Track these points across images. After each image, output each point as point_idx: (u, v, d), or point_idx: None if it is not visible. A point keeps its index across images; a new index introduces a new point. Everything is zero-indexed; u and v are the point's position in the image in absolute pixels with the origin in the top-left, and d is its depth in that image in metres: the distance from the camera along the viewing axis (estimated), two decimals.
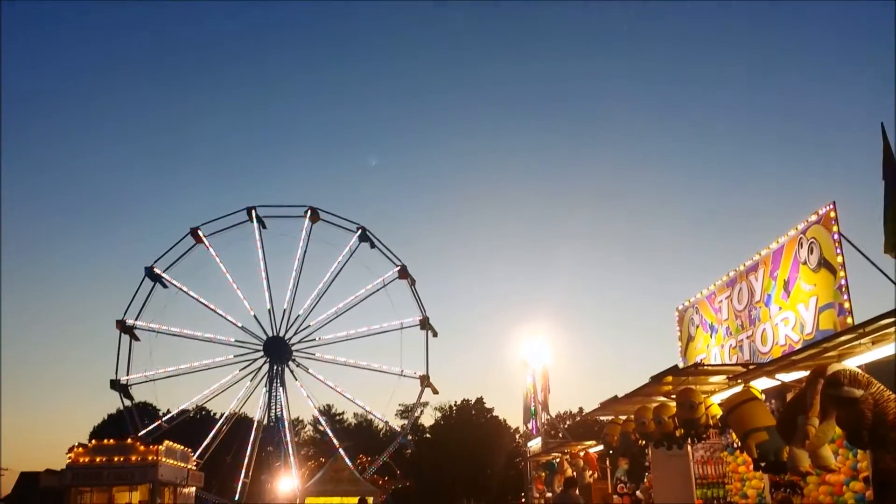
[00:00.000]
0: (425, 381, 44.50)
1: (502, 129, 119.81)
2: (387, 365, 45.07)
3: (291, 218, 46.09)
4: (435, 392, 45.56)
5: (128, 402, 43.55)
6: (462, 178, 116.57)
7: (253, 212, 45.37)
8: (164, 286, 44.45)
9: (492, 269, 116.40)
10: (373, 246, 45.30)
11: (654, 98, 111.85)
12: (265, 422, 45.53)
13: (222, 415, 48.25)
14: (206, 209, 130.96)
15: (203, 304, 45.51)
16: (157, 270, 44.07)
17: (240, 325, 45.38)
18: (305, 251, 45.97)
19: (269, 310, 45.73)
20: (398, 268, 44.83)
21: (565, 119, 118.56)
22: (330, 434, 46.98)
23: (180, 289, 44.80)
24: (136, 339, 43.77)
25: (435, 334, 45.02)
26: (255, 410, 46.53)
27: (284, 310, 45.81)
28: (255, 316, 45.55)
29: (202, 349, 48.81)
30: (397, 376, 44.56)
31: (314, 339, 46.13)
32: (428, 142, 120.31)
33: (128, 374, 43.24)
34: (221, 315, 45.50)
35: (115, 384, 42.86)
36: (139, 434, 40.70)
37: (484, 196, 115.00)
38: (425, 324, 44.67)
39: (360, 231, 45.13)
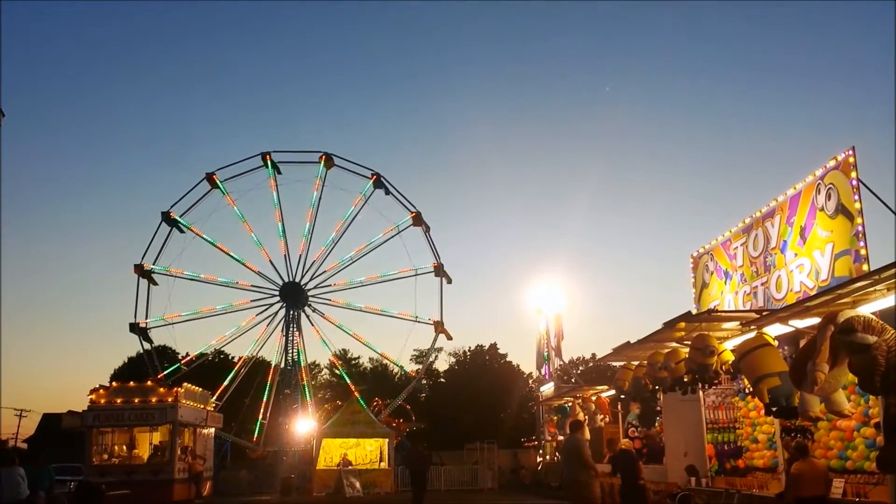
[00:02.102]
0: (439, 326, 44.79)
1: (516, 73, 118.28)
2: (401, 311, 45.49)
3: (306, 164, 45.96)
4: (449, 338, 45.86)
5: (147, 346, 44.18)
6: (475, 124, 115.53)
7: (268, 157, 45.31)
8: (182, 231, 44.63)
9: (506, 216, 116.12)
10: (387, 192, 45.21)
11: (671, 43, 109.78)
12: (282, 365, 46.20)
13: (240, 358, 49.01)
14: (221, 155, 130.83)
15: (220, 248, 45.77)
16: (173, 215, 44.26)
17: (256, 270, 45.72)
18: (320, 197, 46.05)
19: (285, 255, 45.98)
20: (413, 214, 44.79)
21: (582, 64, 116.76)
22: (346, 379, 47.71)
23: (197, 234, 45.01)
24: (154, 283, 44.19)
25: (449, 281, 45.17)
26: (272, 354, 47.30)
27: (300, 255, 46.13)
28: (271, 261, 45.86)
29: (219, 294, 49.37)
30: (412, 322, 44.95)
31: (329, 285, 46.47)
32: (440, 86, 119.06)
33: (146, 318, 43.78)
34: (238, 260, 45.78)
35: (135, 328, 43.49)
36: (158, 376, 41.43)
37: (498, 142, 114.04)
38: (439, 270, 44.75)
39: (374, 177, 45.01)
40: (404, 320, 45.20)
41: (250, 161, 45.42)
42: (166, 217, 44.24)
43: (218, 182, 44.79)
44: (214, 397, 41.26)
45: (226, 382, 44.05)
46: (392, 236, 45.49)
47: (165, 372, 42.66)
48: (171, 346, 49.44)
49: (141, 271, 43.75)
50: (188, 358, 47.16)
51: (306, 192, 46.56)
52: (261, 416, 44.62)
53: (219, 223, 46.63)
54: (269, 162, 45.40)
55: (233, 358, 51.49)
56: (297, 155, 46.62)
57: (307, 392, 46.00)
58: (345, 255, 46.37)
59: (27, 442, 59.55)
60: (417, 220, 44.87)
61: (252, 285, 45.93)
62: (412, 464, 19.99)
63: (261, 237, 46.29)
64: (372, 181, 45.12)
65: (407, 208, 45.12)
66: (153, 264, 43.99)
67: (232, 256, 45.83)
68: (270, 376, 45.78)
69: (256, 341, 46.29)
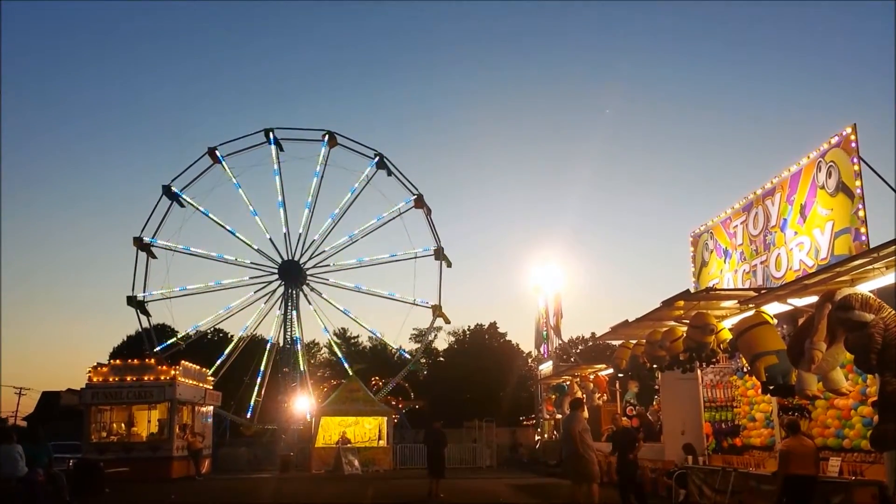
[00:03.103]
0: (437, 310, 44.87)
1: (515, 51, 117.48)
2: (400, 293, 45.47)
3: (309, 142, 45.70)
4: (447, 321, 45.92)
5: (144, 319, 44.06)
6: (474, 101, 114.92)
7: (271, 134, 45.03)
8: (182, 205, 44.41)
9: (505, 194, 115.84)
10: (389, 173, 45.07)
11: (670, 18, 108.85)
12: (281, 344, 46.26)
13: (237, 335, 49.11)
14: (224, 131, 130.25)
15: (219, 224, 45.60)
16: (174, 189, 44.06)
17: (255, 247, 45.62)
18: (322, 176, 45.87)
19: (285, 233, 45.87)
20: (414, 196, 44.65)
21: (578, 41, 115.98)
22: (342, 359, 47.83)
23: (197, 208, 44.80)
24: (154, 256, 44.01)
25: (449, 264, 45.07)
26: (270, 332, 47.35)
27: (300, 234, 46.02)
28: (270, 239, 45.73)
29: (217, 270, 49.24)
30: (410, 304, 44.97)
31: (329, 265, 46.41)
32: (439, 63, 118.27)
33: (144, 292, 43.64)
34: (237, 236, 45.64)
35: (132, 300, 43.39)
36: (155, 350, 41.50)
37: (497, 121, 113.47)
38: (440, 254, 44.62)
39: (377, 157, 44.79)
40: (403, 303, 45.25)
41: (253, 137, 45.19)
42: (167, 190, 44.04)
43: (220, 157, 44.56)
44: (210, 373, 41.47)
45: (221, 359, 44.08)
46: (393, 218, 45.39)
47: (161, 346, 42.62)
48: (170, 323, 49.36)
49: (140, 244, 43.63)
50: (185, 334, 47.08)
51: (308, 171, 46.39)
52: (255, 395, 44.71)
53: (220, 199, 46.48)
54: (271, 138, 45.14)
55: (231, 336, 51.55)
56: (301, 133, 46.36)
57: (302, 367, 46.01)
58: (345, 236, 46.32)
59: (26, 420, 59.73)
60: (419, 202, 44.73)
61: (251, 262, 45.88)
62: (430, 442, 20.54)
63: (261, 215, 46.19)
64: (375, 161, 44.92)
65: (409, 190, 45.00)
66: (152, 238, 43.87)
67: (231, 232, 45.70)
68: (266, 354, 45.82)
69: (254, 319, 46.33)
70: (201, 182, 44.89)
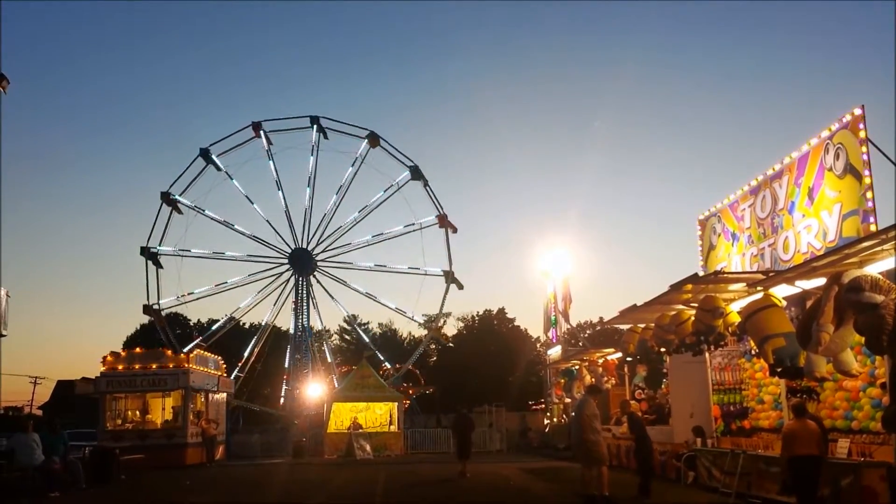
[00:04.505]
0: (450, 276, 44.80)
1: (524, 35, 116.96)
2: (410, 266, 45.58)
3: (299, 130, 45.92)
4: (460, 287, 45.43)
5: (161, 325, 44.31)
6: (483, 86, 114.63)
7: (259, 127, 45.05)
8: (180, 212, 44.61)
9: (512, 179, 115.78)
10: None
11: (677, 4, 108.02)
12: (294, 332, 46.53)
13: (252, 326, 49.55)
14: (214, 126, 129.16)
15: (224, 223, 45.85)
16: (172, 195, 44.21)
17: (262, 240, 45.90)
18: (317, 161, 46.03)
19: (289, 223, 46.09)
20: (410, 167, 44.55)
21: (589, 23, 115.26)
22: (363, 337, 48.20)
23: (199, 211, 44.99)
24: (160, 266, 44.36)
25: (455, 230, 45.01)
26: (285, 321, 47.83)
27: (304, 222, 46.26)
28: (275, 230, 45.98)
29: (227, 269, 49.42)
30: (421, 276, 45.08)
31: (336, 248, 46.58)
32: (444, 45, 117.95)
33: (159, 300, 44.15)
34: (243, 232, 45.84)
35: (149, 310, 43.90)
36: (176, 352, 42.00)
37: (505, 105, 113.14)
38: (444, 221, 44.56)
39: (369, 135, 44.74)
40: (414, 275, 45.40)
41: (243, 133, 45.32)
42: (165, 197, 44.16)
43: (213, 157, 44.68)
44: (237, 368, 42.02)
45: (245, 353, 44.52)
46: (393, 193, 45.42)
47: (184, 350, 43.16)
48: (183, 313, 49.76)
49: (148, 253, 43.93)
50: (206, 333, 47.50)
51: (303, 159, 46.59)
52: (284, 384, 45.08)
53: (219, 198, 46.55)
54: (261, 132, 45.16)
55: (244, 325, 51.83)
56: (289, 122, 46.47)
57: (328, 355, 46.38)
58: (348, 217, 46.46)
59: (42, 408, 60.42)
60: (416, 173, 44.63)
61: (261, 256, 46.17)
62: (459, 429, 21.83)
63: (262, 208, 46.47)
64: (367, 140, 44.87)
65: (404, 163, 44.94)
66: (159, 245, 44.17)
67: (236, 229, 45.97)
68: (290, 344, 46.24)
69: (272, 311, 46.76)
70: (199, 183, 45.23)
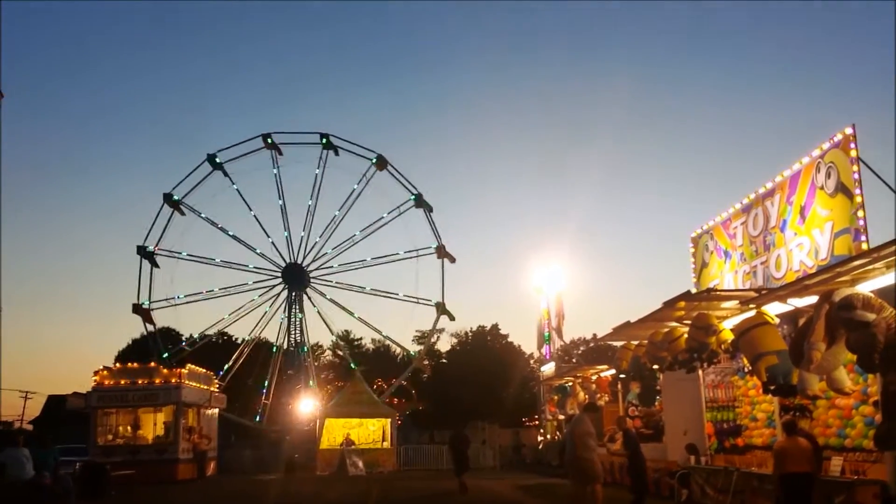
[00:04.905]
0: (441, 308, 44.91)
1: (519, 50, 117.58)
2: (403, 292, 45.61)
3: (306, 145, 45.81)
4: (451, 318, 45.76)
5: (150, 327, 44.20)
6: (475, 101, 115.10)
7: (269, 139, 45.22)
8: (182, 213, 44.65)
9: (506, 195, 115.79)
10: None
11: (672, 19, 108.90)
12: (285, 346, 46.43)
13: (242, 339, 49.24)
14: (223, 136, 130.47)
15: (222, 230, 45.76)
16: (175, 197, 44.23)
17: (258, 251, 45.85)
18: (322, 179, 46.07)
19: (287, 237, 46.09)
20: (414, 196, 44.78)
21: (582, 40, 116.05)
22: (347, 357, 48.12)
23: (199, 215, 44.97)
24: (156, 265, 44.27)
25: (452, 260, 45.03)
26: (275, 335, 47.54)
27: (301, 237, 46.27)
28: (273, 243, 45.95)
29: (221, 276, 49.19)
30: (413, 303, 45.06)
31: (331, 266, 46.58)
32: (438, 61, 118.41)
33: (149, 300, 43.85)
34: (240, 241, 45.80)
35: (138, 309, 43.71)
36: (163, 357, 41.70)
37: (498, 121, 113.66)
38: (442, 251, 44.72)
39: (376, 159, 44.95)
40: (406, 302, 45.31)
41: (251, 143, 45.34)
42: (168, 199, 44.20)
43: (219, 163, 44.76)
44: (219, 378, 41.63)
45: (229, 363, 44.21)
46: (394, 217, 45.46)
47: (166, 354, 42.76)
48: (175, 328, 49.51)
49: (143, 253, 43.80)
50: (192, 339, 47.21)
51: (308, 174, 46.58)
52: (263, 397, 44.85)
53: (221, 206, 46.52)
54: (269, 143, 45.27)
55: (236, 339, 51.67)
56: (298, 136, 46.49)
57: (310, 372, 46.20)
58: (346, 237, 46.44)
59: (32, 423, 59.90)
60: (419, 201, 44.82)
61: (254, 267, 46.07)
62: (455, 445, 22.17)
63: (262, 219, 46.36)
64: (374, 162, 45.00)
65: (409, 190, 45.08)
66: (156, 246, 44.02)
67: (233, 237, 45.87)
68: (273, 357, 45.97)
69: (259, 322, 46.46)
70: (203, 189, 45.10)
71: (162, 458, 26.57)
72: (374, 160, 44.95)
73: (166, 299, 44.17)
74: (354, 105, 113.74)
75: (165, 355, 42.65)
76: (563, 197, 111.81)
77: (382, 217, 45.73)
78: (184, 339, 48.33)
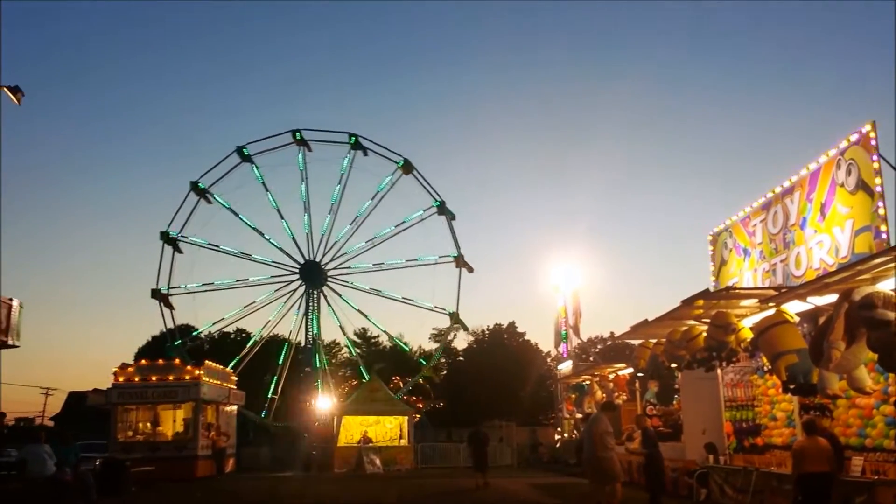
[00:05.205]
0: (455, 317, 45.15)
1: (532, 50, 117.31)
2: (419, 295, 45.73)
3: (334, 144, 46.04)
4: (464, 329, 45.91)
5: (168, 313, 44.46)
6: (490, 99, 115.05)
7: (297, 134, 45.44)
8: (209, 202, 44.94)
9: (523, 193, 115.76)
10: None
11: (688, 15, 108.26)
12: (302, 344, 46.63)
13: (263, 338, 49.57)
14: (253, 131, 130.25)
15: (245, 222, 45.99)
16: (202, 185, 44.56)
17: (278, 245, 46.06)
18: (347, 178, 46.23)
19: (308, 233, 46.28)
20: (438, 202, 44.87)
21: (595, 39, 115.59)
22: (358, 358, 48.30)
23: (224, 205, 45.27)
24: (179, 251, 44.65)
25: (470, 270, 45.23)
26: (290, 331, 47.81)
27: (322, 235, 46.46)
28: (293, 238, 46.13)
29: (240, 269, 49.37)
30: (427, 311, 45.25)
31: (349, 267, 46.73)
32: (453, 60, 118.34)
33: (168, 285, 44.35)
34: (262, 234, 46.01)
35: (156, 293, 44.14)
36: (176, 344, 42.53)
37: (514, 119, 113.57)
38: (460, 261, 44.82)
39: (403, 162, 45.00)
40: (421, 308, 45.47)
41: (280, 138, 45.61)
42: (195, 186, 44.55)
43: (248, 155, 45.07)
44: (270, 392, 42.25)
45: (240, 356, 44.54)
46: (415, 223, 45.58)
47: (178, 342, 43.19)
48: (192, 318, 49.66)
49: (167, 238, 44.19)
50: (206, 328, 47.51)
51: (333, 173, 46.76)
52: (270, 392, 45.04)
53: (245, 198, 46.50)
54: (299, 139, 45.46)
55: (253, 335, 51.95)
56: (327, 135, 46.63)
57: (321, 365, 46.36)
58: (367, 238, 46.58)
59: (53, 420, 60.57)
60: (442, 208, 44.92)
61: (273, 262, 46.31)
62: (475, 443, 22.72)
63: (285, 215, 46.62)
64: (400, 166, 45.05)
65: (433, 196, 45.17)
66: (180, 232, 44.40)
67: (257, 231, 46.14)
68: (284, 352, 46.21)
69: (274, 317, 46.76)
70: (229, 180, 45.41)
71: (181, 455, 26.70)
72: (401, 164, 45.00)
73: (185, 286, 44.58)
74: (372, 104, 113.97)
75: (178, 343, 43.10)
76: (581, 195, 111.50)
77: (404, 221, 45.86)
78: (201, 333, 48.60)
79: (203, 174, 44.91)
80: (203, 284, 45.13)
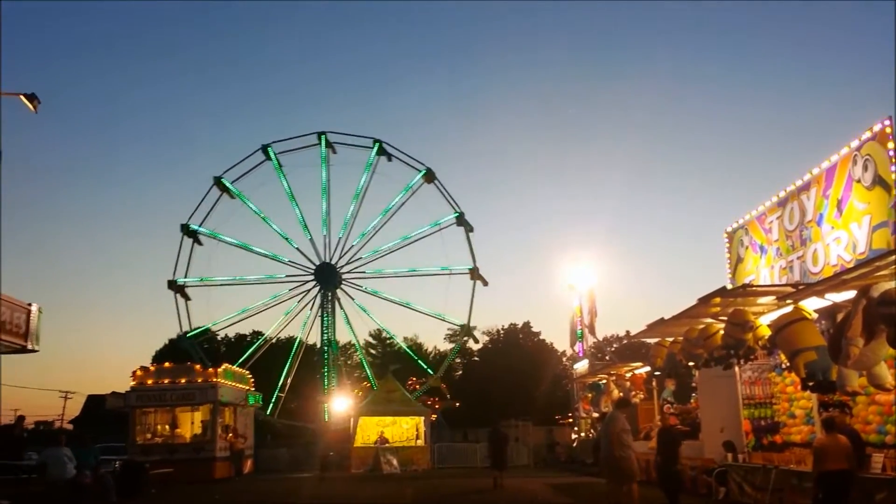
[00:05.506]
0: (466, 329, 45.43)
1: (549, 45, 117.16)
2: (433, 304, 46.60)
3: (357, 148, 46.40)
4: (485, 283, 45.50)
5: (183, 303, 44.87)
6: (506, 100, 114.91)
7: (269, 149, 45.71)
8: (200, 243, 45.32)
9: (537, 192, 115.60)
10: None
11: (704, 15, 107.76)
12: (318, 345, 46.84)
13: (278, 340, 50.00)
14: (275, 132, 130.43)
15: (264, 219, 46.31)
16: (192, 227, 45.03)
17: (295, 245, 46.33)
18: (368, 183, 46.55)
19: (310, 240, 46.50)
20: (457, 213, 44.98)
21: (610, 38, 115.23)
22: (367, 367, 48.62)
23: (245, 203, 45.66)
24: (200, 243, 45.12)
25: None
26: (300, 331, 48.25)
27: (339, 238, 46.69)
28: (299, 248, 46.38)
29: (256, 266, 49.60)
30: (447, 278, 45.40)
31: (363, 271, 47.01)
32: (469, 58, 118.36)
33: (185, 276, 44.85)
34: (280, 233, 46.29)
35: (173, 284, 44.65)
36: (187, 335, 43.52)
37: (529, 119, 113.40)
38: (475, 274, 44.94)
39: (425, 171, 45.16)
40: (440, 275, 45.72)
41: (305, 139, 45.94)
42: (218, 182, 44.93)
43: (272, 154, 45.38)
44: (276, 391, 42.57)
45: (248, 352, 44.94)
46: (433, 232, 45.77)
47: (191, 333, 43.83)
48: (206, 316, 50.00)
49: (187, 230, 44.58)
50: (218, 321, 47.83)
51: (354, 177, 47.07)
52: (277, 390, 45.27)
53: (265, 197, 46.94)
54: (324, 141, 45.68)
55: (271, 339, 52.14)
56: (349, 139, 46.91)
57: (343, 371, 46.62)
58: (383, 245, 46.80)
59: (73, 423, 61.11)
60: (461, 220, 45.02)
61: (290, 261, 46.55)
62: (494, 441, 22.97)
63: (283, 228, 47.01)
64: (422, 174, 45.14)
65: (453, 206, 45.30)
66: (199, 226, 44.76)
67: (275, 229, 46.49)
68: (293, 352, 46.50)
69: (286, 317, 47.13)
70: (250, 178, 45.89)
71: (199, 457, 26.86)
72: (423, 172, 45.13)
73: (202, 278, 44.92)
74: (392, 108, 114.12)
75: (190, 334, 43.46)
76: (595, 194, 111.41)
77: (423, 230, 46.07)
78: (220, 339, 48.89)
79: (227, 170, 45.41)
80: (218, 279, 45.61)
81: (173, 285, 44.46)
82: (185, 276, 44.71)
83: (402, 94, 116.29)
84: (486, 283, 45.22)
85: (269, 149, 45.53)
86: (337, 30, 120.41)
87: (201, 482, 24.78)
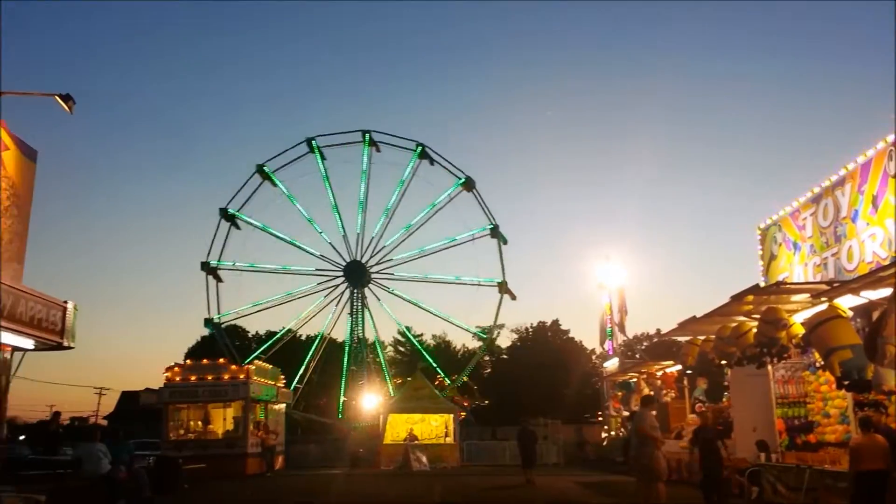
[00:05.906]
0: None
1: (572, 43, 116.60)
2: (458, 310, 46.56)
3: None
4: (513, 297, 45.52)
5: (215, 283, 45.80)
6: (534, 98, 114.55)
7: (313, 142, 46.17)
8: (238, 227, 46.00)
9: (566, 190, 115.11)
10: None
11: (736, 9, 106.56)
12: (349, 343, 47.12)
13: (308, 337, 50.38)
14: (271, 145, 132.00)
15: (280, 237, 46.79)
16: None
17: (318, 253, 46.69)
18: (369, 175, 46.96)
19: (343, 236, 46.77)
20: (492, 226, 45.02)
21: (637, 33, 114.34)
22: (416, 345, 48.95)
23: (256, 226, 46.14)
24: (220, 280, 45.66)
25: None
26: (341, 333, 48.66)
27: (358, 234, 47.04)
28: (331, 244, 46.67)
29: (284, 282, 49.98)
30: (475, 287, 45.55)
31: (392, 273, 47.27)
32: (494, 56, 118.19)
33: (219, 313, 45.58)
34: (300, 246, 46.66)
35: (206, 266, 45.23)
36: (212, 320, 44.65)
37: (557, 116, 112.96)
38: (495, 231, 44.95)
39: (465, 179, 45.29)
40: (468, 285, 45.72)
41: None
42: (259, 169, 45.51)
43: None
44: (294, 383, 42.86)
45: (303, 367, 45.41)
46: (465, 241, 45.82)
47: (217, 317, 45.13)
48: (236, 301, 50.63)
49: (208, 268, 45.37)
50: (259, 340, 48.47)
51: (355, 173, 47.50)
52: (342, 394, 45.83)
53: (275, 213, 47.40)
54: (367, 139, 46.03)
55: (301, 337, 52.53)
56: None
57: (382, 363, 47.02)
58: (415, 249, 47.15)
59: (107, 419, 62.09)
60: (495, 232, 45.04)
61: (316, 269, 46.93)
62: (524, 439, 23.16)
63: (317, 221, 47.39)
64: (462, 182, 45.25)
65: (488, 217, 45.37)
66: (219, 259, 45.43)
67: (293, 244, 46.80)
68: (346, 354, 46.95)
69: (328, 321, 47.62)
70: (256, 199, 46.58)
71: (231, 453, 27.11)
72: (463, 180, 45.26)
73: (234, 262, 45.46)
74: (399, 106, 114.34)
75: (216, 318, 44.16)
76: (625, 191, 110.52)
77: (455, 238, 46.23)
78: (251, 336, 49.36)
79: (269, 158, 46.14)
80: (251, 265, 46.08)
81: (206, 266, 45.08)
82: (219, 260, 45.33)
83: (433, 95, 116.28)
84: (514, 298, 45.33)
85: (314, 142, 45.97)
86: (316, 35, 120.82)
87: (233, 478, 25.04)
